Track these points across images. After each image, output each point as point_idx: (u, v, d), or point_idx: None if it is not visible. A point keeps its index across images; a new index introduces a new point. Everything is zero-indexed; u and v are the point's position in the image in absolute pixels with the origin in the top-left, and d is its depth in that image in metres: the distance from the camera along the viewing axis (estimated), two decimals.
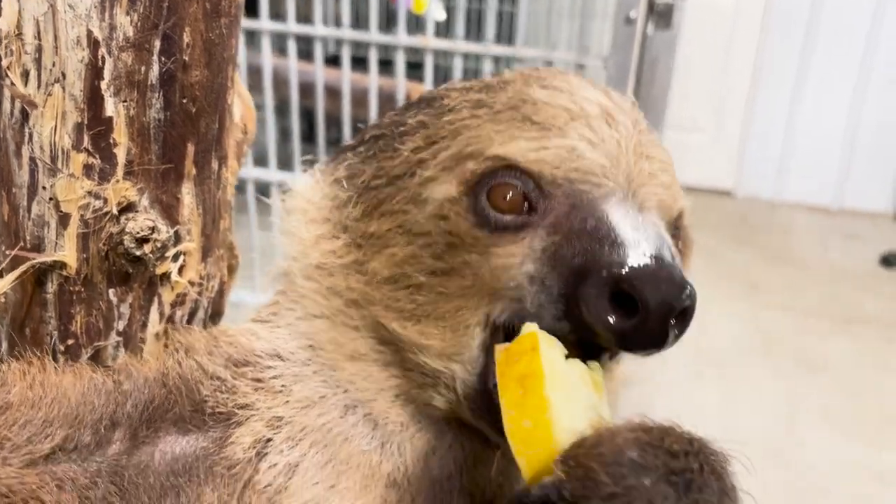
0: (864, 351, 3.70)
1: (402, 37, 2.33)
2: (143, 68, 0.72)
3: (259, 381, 0.81)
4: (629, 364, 0.90)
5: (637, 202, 0.70)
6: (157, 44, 0.72)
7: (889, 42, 4.69)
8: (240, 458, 0.78)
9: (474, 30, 2.92)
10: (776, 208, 5.16)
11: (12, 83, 0.68)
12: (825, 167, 4.99)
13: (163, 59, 0.72)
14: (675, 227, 0.76)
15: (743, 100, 5.03)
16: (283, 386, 0.81)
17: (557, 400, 0.60)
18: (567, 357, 0.66)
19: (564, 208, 0.69)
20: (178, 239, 0.83)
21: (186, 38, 0.73)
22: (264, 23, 2.36)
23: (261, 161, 2.57)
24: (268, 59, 2.40)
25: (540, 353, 0.62)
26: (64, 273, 0.80)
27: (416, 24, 2.60)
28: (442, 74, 2.51)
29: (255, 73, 2.41)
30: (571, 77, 0.78)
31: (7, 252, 0.78)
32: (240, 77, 2.47)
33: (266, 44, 2.39)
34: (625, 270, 0.63)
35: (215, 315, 0.93)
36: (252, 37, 2.43)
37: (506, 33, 3.26)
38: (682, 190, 0.81)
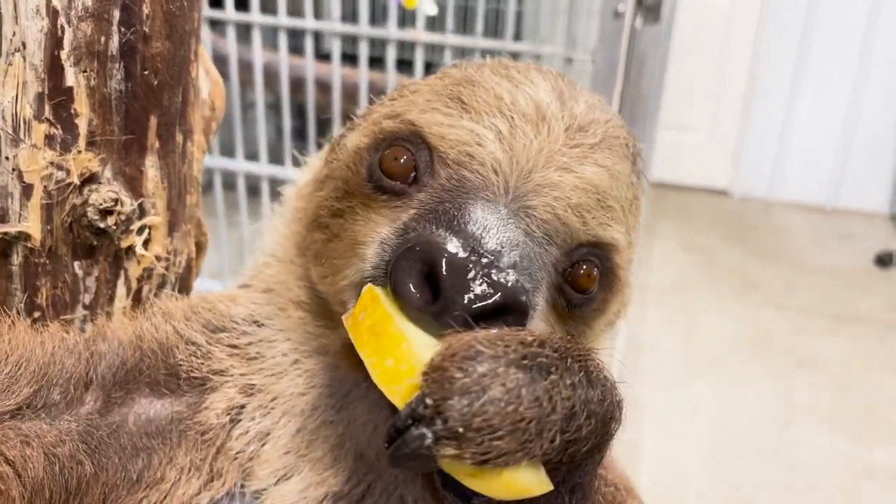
0: (857, 350, 3.70)
1: (392, 30, 2.33)
2: (102, 38, 0.73)
3: (235, 346, 0.83)
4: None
5: (517, 207, 0.67)
6: (117, 14, 0.73)
7: (886, 41, 4.69)
8: (213, 423, 0.80)
9: (463, 24, 2.93)
10: (771, 207, 5.16)
11: None
12: (821, 167, 4.99)
13: (122, 29, 0.73)
14: (585, 255, 0.72)
15: (739, 99, 5.03)
16: (257, 353, 0.83)
17: (409, 330, 0.60)
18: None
19: (439, 188, 0.69)
20: (142, 212, 0.84)
21: (146, 10, 0.74)
22: (255, 16, 2.37)
23: (252, 155, 2.58)
24: (258, 54, 2.40)
25: (381, 300, 0.63)
26: (29, 245, 0.81)
27: (405, 19, 2.60)
28: (432, 70, 2.51)
29: (245, 68, 2.42)
30: (536, 74, 0.76)
31: None
32: (233, 71, 2.45)
33: (256, 38, 2.39)
34: (440, 253, 0.61)
35: (182, 291, 0.94)
36: (243, 30, 2.44)
37: (493, 28, 3.27)
38: (632, 223, 0.77)
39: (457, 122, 0.71)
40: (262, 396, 0.81)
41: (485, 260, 0.62)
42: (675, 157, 4.90)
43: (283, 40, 2.39)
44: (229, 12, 2.38)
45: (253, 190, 2.58)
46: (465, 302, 0.59)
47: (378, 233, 0.70)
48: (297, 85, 2.47)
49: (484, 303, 0.60)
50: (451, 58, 2.35)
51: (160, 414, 0.79)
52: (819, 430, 3.17)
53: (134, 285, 0.88)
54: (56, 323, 0.85)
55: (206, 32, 2.43)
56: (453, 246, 0.62)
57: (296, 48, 2.46)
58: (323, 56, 2.60)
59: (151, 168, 0.82)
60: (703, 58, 4.88)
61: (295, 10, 2.41)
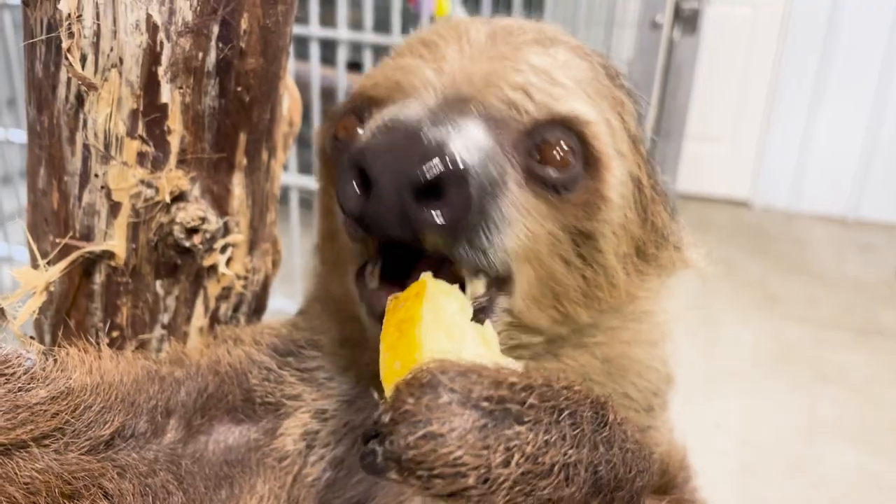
0: (881, 363, 3.66)
1: None
2: (200, 54, 0.71)
3: (302, 371, 0.81)
4: None
5: (450, 100, 0.65)
6: (216, 29, 0.71)
7: None
8: (290, 450, 0.78)
9: None
10: (793, 219, 5.12)
11: (71, 65, 0.67)
12: (842, 178, 4.96)
13: (220, 45, 0.72)
14: (549, 132, 0.68)
15: (760, 110, 5.01)
16: (325, 378, 0.81)
17: (430, 342, 0.56)
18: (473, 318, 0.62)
19: (377, 120, 0.66)
20: (226, 230, 0.82)
21: (244, 25, 0.72)
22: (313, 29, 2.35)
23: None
24: (290, 64, 2.39)
25: (424, 298, 0.59)
26: (112, 263, 0.79)
27: None
28: None
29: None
30: (468, 17, 0.77)
31: (56, 241, 0.77)
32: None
33: (315, 51, 2.38)
34: (365, 150, 0.59)
35: (258, 310, 0.92)
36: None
37: None
38: (609, 112, 0.72)
39: (384, 68, 0.72)
40: (335, 422, 0.80)
41: (413, 143, 0.59)
42: (697, 168, 4.87)
43: (314, 50, 2.38)
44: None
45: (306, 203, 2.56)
46: (392, 178, 0.57)
47: (340, 182, 0.67)
48: (329, 94, 2.45)
49: (412, 173, 0.57)
50: None
51: (239, 441, 0.78)
52: (844, 445, 3.14)
53: (212, 304, 0.86)
54: (134, 342, 0.84)
55: None
56: (378, 141, 0.60)
57: (325, 58, 2.45)
58: (351, 65, 2.58)
59: (238, 186, 0.80)
60: (724, 69, 4.86)
61: (324, 20, 2.40)
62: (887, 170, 4.93)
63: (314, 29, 2.37)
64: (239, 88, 0.75)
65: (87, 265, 0.79)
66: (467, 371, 0.51)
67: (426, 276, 0.62)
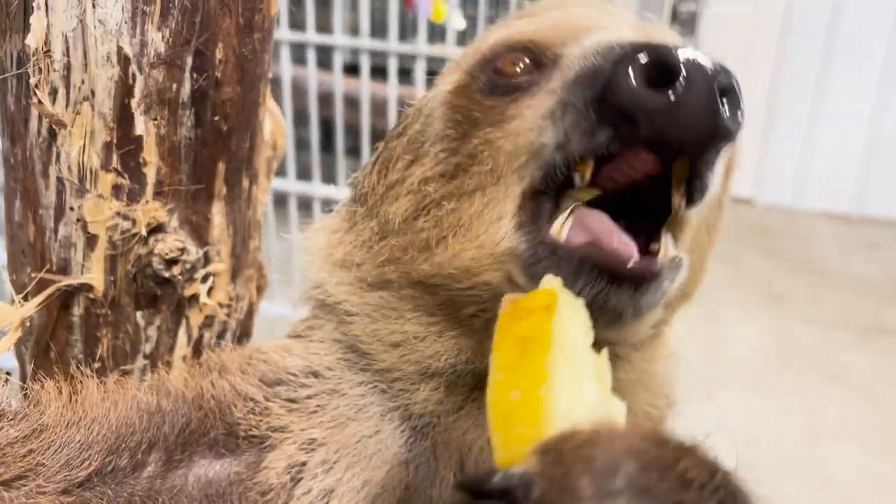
0: (886, 363, 3.64)
1: (421, 46, 2.30)
2: (174, 85, 0.70)
3: (293, 401, 0.79)
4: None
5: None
6: (190, 60, 0.69)
7: None
8: (273, 483, 0.76)
9: None
10: (796, 216, 5.10)
11: (40, 101, 0.66)
12: (845, 174, 4.93)
13: (195, 75, 0.70)
14: None
15: (762, 108, 4.98)
16: (318, 406, 0.78)
17: (559, 376, 0.48)
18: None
19: (575, 51, 0.66)
20: (207, 260, 0.81)
21: (219, 55, 0.71)
22: (283, 33, 2.34)
23: (278, 172, 2.55)
24: (287, 70, 2.38)
25: (554, 314, 0.51)
26: (90, 296, 0.77)
27: (434, 33, 2.57)
28: None
29: (273, 84, 2.39)
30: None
31: (33, 275, 0.76)
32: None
33: (285, 54, 2.37)
34: (664, 51, 0.58)
35: (243, 336, 0.90)
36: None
37: None
38: None
39: (539, 19, 0.72)
40: (325, 451, 0.77)
41: (695, 53, 0.58)
42: None
43: (311, 56, 2.37)
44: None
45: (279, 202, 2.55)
46: (709, 76, 0.56)
47: (541, 111, 0.64)
48: (326, 99, 2.44)
49: (725, 77, 0.57)
50: None
51: (220, 475, 0.76)
52: (848, 444, 3.12)
53: (195, 333, 0.85)
54: (116, 373, 0.82)
55: None
56: (664, 48, 0.59)
57: (323, 63, 2.44)
58: (348, 69, 2.56)
59: (218, 215, 0.79)
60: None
61: (322, 27, 2.38)
62: (891, 165, 4.90)
63: (311, 35, 2.35)
64: (216, 118, 0.73)
65: (66, 298, 0.78)
66: (651, 461, 0.44)
67: (555, 284, 0.56)
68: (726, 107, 0.58)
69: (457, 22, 2.48)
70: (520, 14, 0.78)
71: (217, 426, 0.77)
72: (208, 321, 0.85)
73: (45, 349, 0.81)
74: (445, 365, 0.73)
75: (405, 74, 2.41)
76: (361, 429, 0.77)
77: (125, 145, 0.71)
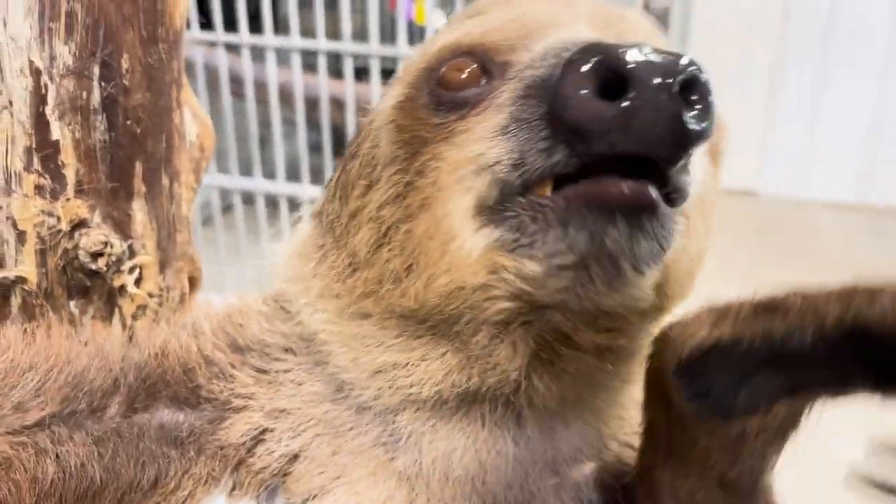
0: None
1: (402, 48, 2.37)
2: (84, 94, 0.77)
3: (263, 371, 0.77)
4: None
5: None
6: (97, 70, 0.76)
7: None
8: (233, 441, 0.75)
9: None
10: (800, 206, 5.07)
11: None
12: (849, 163, 4.89)
13: (103, 84, 0.77)
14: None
15: (763, 96, 4.96)
16: (291, 381, 0.76)
17: None
18: None
19: (525, 57, 0.62)
20: (132, 253, 0.88)
21: (125, 64, 0.78)
22: (268, 38, 2.42)
23: (269, 174, 2.63)
24: (273, 74, 2.45)
25: None
26: (26, 287, 0.85)
27: (414, 36, 2.63)
28: None
29: (260, 88, 2.47)
30: None
31: None
32: (249, 93, 2.48)
33: (271, 59, 2.45)
34: (611, 55, 0.53)
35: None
36: (257, 52, 2.49)
37: None
38: None
39: (484, 20, 0.67)
40: (293, 419, 0.75)
41: (647, 46, 0.52)
42: None
43: (296, 60, 2.44)
44: (244, 35, 2.43)
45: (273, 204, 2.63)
46: (664, 74, 0.50)
47: (492, 125, 0.60)
48: (313, 104, 2.51)
49: (684, 70, 0.51)
50: None
51: (181, 425, 0.75)
52: (854, 444, 3.11)
53: (129, 322, 0.92)
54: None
55: (223, 54, 2.49)
56: (618, 50, 0.52)
57: (308, 66, 2.51)
58: (336, 73, 2.63)
59: (139, 211, 0.86)
60: (726, 56, 4.82)
61: (307, 30, 2.46)
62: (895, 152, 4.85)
63: (295, 40, 2.43)
64: (128, 122, 0.80)
65: (4, 290, 0.85)
66: None
67: None
68: (691, 105, 0.53)
69: (438, 23, 2.54)
70: (471, 11, 0.72)
71: (179, 385, 0.77)
72: (141, 310, 0.92)
73: None
74: (431, 393, 0.70)
75: (388, 76, 2.47)
76: (336, 410, 0.75)
77: (44, 149, 0.78)
